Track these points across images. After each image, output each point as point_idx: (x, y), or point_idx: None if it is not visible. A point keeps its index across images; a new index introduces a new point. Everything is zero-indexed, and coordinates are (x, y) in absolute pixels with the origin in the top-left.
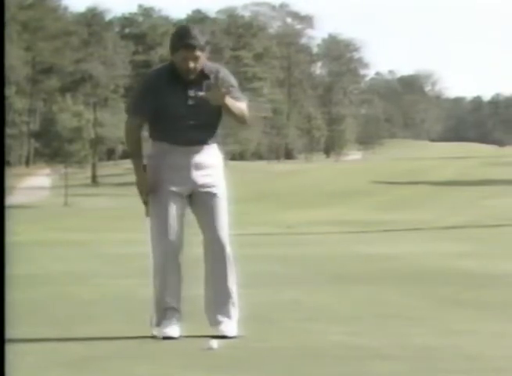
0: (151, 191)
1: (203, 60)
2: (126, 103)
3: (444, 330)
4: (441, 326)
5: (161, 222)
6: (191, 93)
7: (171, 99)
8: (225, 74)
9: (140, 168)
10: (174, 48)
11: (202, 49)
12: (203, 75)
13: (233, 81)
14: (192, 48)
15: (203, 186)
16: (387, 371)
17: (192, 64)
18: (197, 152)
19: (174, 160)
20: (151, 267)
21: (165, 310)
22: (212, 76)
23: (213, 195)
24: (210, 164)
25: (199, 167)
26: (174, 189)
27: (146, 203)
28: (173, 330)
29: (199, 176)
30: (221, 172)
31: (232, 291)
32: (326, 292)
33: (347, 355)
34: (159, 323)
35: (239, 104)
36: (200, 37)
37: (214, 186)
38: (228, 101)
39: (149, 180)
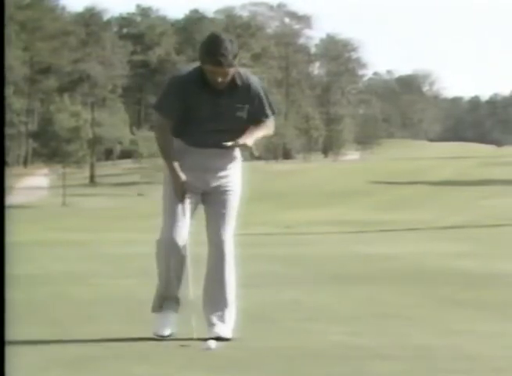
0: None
1: (232, 72)
2: (153, 103)
3: (443, 330)
4: (440, 326)
5: (172, 211)
6: (218, 101)
7: (198, 103)
8: (257, 89)
9: (174, 168)
10: (202, 60)
11: (231, 65)
12: (233, 84)
13: (263, 94)
14: (221, 65)
15: (215, 188)
16: (387, 371)
17: (220, 79)
18: (215, 155)
19: (191, 161)
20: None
21: (164, 299)
22: (241, 89)
23: (223, 198)
24: (227, 167)
25: (214, 169)
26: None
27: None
28: (165, 329)
29: (212, 178)
30: (238, 176)
31: (228, 295)
32: (326, 292)
33: (347, 355)
34: (157, 310)
35: (263, 130)
36: (229, 51)
37: (226, 189)
38: (254, 140)
39: (170, 182)
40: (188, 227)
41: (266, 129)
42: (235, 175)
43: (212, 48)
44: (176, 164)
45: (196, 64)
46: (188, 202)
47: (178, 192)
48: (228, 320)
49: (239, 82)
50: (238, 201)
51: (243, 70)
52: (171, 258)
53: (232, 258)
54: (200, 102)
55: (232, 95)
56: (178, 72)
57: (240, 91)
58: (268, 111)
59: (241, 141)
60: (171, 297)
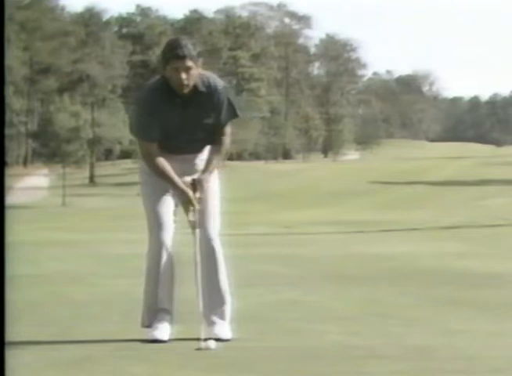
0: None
1: (196, 74)
2: (129, 117)
3: (442, 330)
4: (438, 326)
5: (155, 216)
6: (184, 113)
7: (167, 118)
8: (220, 95)
9: (181, 186)
10: (165, 60)
11: (193, 59)
12: (197, 92)
13: (226, 100)
14: (183, 57)
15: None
16: (386, 371)
17: (184, 75)
18: (191, 159)
19: (170, 165)
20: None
21: (156, 311)
22: (206, 96)
23: (205, 198)
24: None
25: (191, 172)
26: (167, 190)
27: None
28: (163, 333)
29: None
30: (215, 176)
31: (224, 291)
32: (325, 292)
33: (346, 355)
34: (150, 324)
35: (220, 155)
36: (190, 47)
37: (206, 189)
38: (213, 171)
39: (149, 183)
40: (172, 233)
41: (223, 151)
42: (213, 175)
43: (172, 45)
44: (179, 180)
45: (158, 76)
46: (171, 206)
47: (187, 206)
48: (227, 317)
49: (202, 89)
50: (219, 199)
51: (206, 75)
52: (165, 271)
53: (222, 255)
54: (168, 116)
55: (197, 105)
56: (144, 90)
57: (205, 98)
58: (226, 120)
59: (201, 184)
60: (162, 309)
